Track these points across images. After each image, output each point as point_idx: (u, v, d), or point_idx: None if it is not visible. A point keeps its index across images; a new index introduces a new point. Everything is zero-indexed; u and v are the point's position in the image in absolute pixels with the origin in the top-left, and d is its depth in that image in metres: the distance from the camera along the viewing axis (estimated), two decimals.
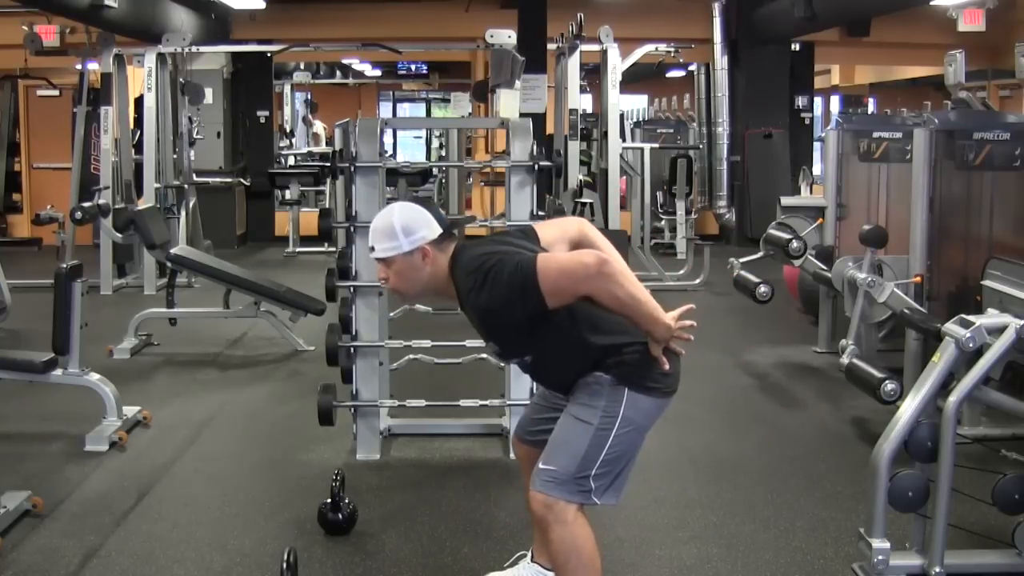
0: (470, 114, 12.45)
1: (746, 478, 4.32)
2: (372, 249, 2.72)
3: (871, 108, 17.34)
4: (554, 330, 2.65)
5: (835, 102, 18.07)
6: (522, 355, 2.83)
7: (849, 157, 6.54)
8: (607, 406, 2.67)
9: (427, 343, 4.63)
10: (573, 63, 8.35)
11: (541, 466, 2.70)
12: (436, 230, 2.69)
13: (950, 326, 3.24)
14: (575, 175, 8.46)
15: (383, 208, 2.83)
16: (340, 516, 3.66)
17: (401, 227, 2.67)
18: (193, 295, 8.25)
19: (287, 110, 17.37)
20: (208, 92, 10.53)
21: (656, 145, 10.87)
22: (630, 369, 2.67)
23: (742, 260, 6.70)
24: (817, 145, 12.54)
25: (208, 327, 7.04)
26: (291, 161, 15.07)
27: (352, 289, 4.50)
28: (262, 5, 10.62)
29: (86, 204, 7.54)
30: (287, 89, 17.15)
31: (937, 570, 3.12)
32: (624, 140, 10.15)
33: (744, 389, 5.85)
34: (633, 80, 15.13)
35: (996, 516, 3.37)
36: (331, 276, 4.56)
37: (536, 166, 4.45)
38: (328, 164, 5.43)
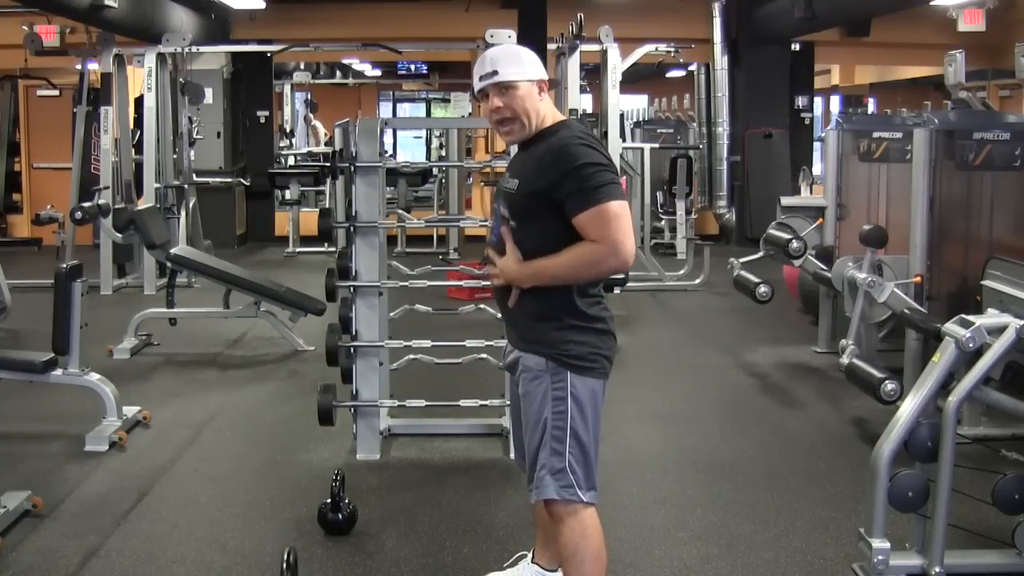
0: (470, 114, 12.45)
1: (746, 478, 4.32)
2: (494, 73, 2.61)
3: (871, 108, 17.37)
4: (549, 236, 2.59)
5: (835, 102, 18.09)
6: (518, 219, 2.66)
7: (849, 157, 6.53)
8: (554, 393, 2.65)
9: (427, 343, 4.63)
10: (573, 63, 8.34)
11: (533, 477, 2.69)
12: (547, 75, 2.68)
13: (950, 326, 3.24)
14: None
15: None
16: (340, 516, 3.67)
17: (527, 57, 2.66)
18: (193, 295, 8.25)
19: (287, 110, 17.37)
20: (208, 92, 10.54)
21: (656, 145, 10.88)
22: (568, 352, 2.64)
23: (742, 260, 6.71)
24: (817, 145, 12.56)
25: (208, 327, 7.04)
26: (291, 161, 15.07)
27: (352, 289, 4.50)
28: (262, 5, 10.62)
29: (86, 204, 7.53)
30: (287, 89, 17.15)
31: (937, 570, 3.12)
32: (624, 140, 10.16)
33: (744, 389, 5.85)
34: (633, 80, 15.16)
35: (996, 516, 3.38)
36: (331, 276, 4.56)
37: None
38: (328, 164, 5.43)
